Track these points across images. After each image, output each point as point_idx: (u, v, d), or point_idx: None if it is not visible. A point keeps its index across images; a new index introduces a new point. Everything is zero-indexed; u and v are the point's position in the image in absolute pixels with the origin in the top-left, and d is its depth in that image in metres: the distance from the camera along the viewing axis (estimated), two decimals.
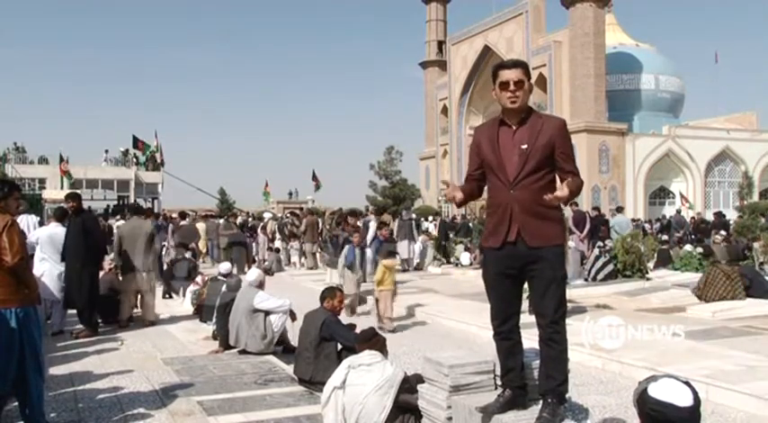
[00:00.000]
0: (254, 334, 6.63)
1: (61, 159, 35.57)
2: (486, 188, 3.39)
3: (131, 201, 34.97)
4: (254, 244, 18.81)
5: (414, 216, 18.58)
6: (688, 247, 15.19)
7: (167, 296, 11.17)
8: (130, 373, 5.87)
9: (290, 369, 5.81)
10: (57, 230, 7.87)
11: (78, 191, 17.48)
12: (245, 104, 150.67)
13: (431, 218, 27.32)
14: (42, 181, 37.18)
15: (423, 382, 3.77)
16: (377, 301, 8.36)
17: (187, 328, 8.36)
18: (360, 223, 13.60)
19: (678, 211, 27.75)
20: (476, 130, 3.42)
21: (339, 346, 5.30)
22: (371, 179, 45.53)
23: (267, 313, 6.71)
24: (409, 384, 3.96)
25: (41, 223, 9.63)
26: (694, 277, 10.94)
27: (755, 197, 37.50)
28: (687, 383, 2.20)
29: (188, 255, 12.54)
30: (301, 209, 29.42)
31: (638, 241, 12.26)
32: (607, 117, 36.14)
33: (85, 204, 9.06)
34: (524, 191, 3.11)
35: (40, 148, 57.71)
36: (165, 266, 11.95)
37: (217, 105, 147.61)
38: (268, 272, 13.60)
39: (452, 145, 44.75)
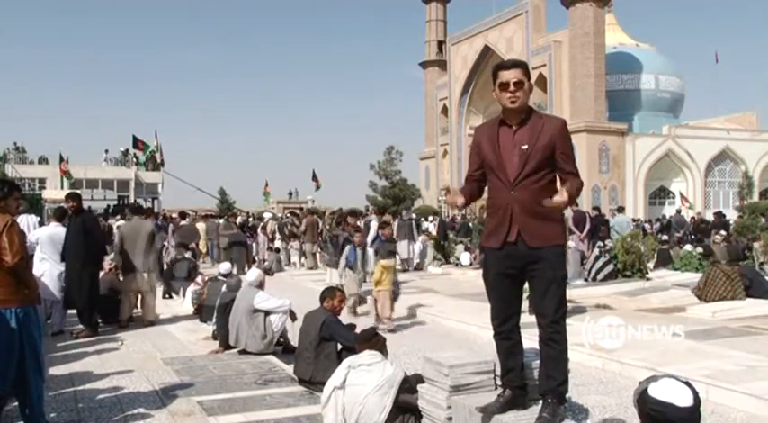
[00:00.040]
0: (254, 334, 6.63)
1: (61, 159, 35.57)
2: (486, 188, 3.39)
3: (131, 201, 34.95)
4: (254, 244, 18.82)
5: (414, 216, 18.57)
6: (688, 247, 15.20)
7: (167, 296, 11.17)
8: (130, 373, 5.87)
9: (290, 369, 5.80)
10: (57, 230, 7.87)
11: (78, 191, 17.47)
12: (245, 104, 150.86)
13: (431, 218, 27.30)
14: (42, 181, 37.19)
15: (423, 382, 3.77)
16: (375, 300, 8.37)
17: (187, 328, 8.36)
18: (360, 223, 13.59)
19: (678, 211, 27.75)
20: (476, 131, 3.42)
21: (339, 346, 5.29)
22: (371, 179, 45.66)
23: (267, 313, 6.71)
24: (409, 384, 3.96)
25: (41, 223, 9.62)
26: (694, 277, 10.94)
27: (755, 197, 37.50)
28: (687, 383, 2.20)
29: (188, 255, 12.54)
30: (301, 209, 29.43)
31: (638, 241, 12.26)
32: (607, 117, 36.15)
33: (85, 204, 9.06)
34: (525, 191, 3.11)
35: (40, 148, 57.86)
36: (165, 266, 11.95)
37: (217, 105, 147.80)
38: (268, 272, 13.60)
39: (452, 145, 44.75)
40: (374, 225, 12.74)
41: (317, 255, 17.04)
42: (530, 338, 3.30)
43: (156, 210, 30.25)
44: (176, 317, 9.17)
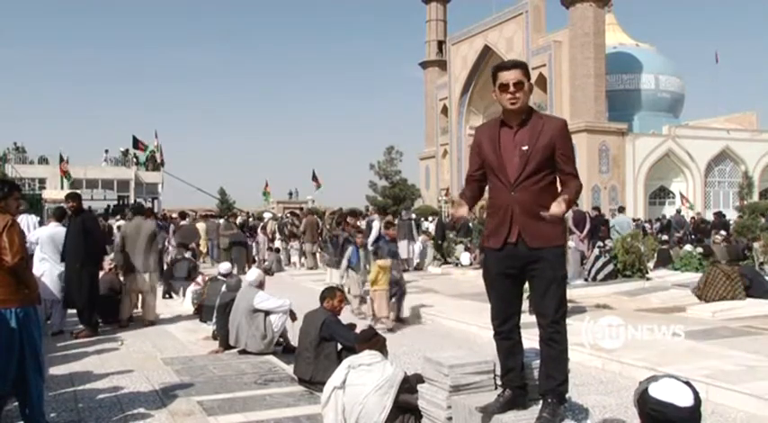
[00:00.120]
0: (254, 334, 6.63)
1: (61, 159, 35.57)
2: (486, 188, 3.39)
3: (131, 201, 34.97)
4: (254, 244, 18.82)
5: (413, 216, 18.56)
6: (688, 247, 15.20)
7: (167, 296, 11.17)
8: (130, 373, 5.87)
9: (290, 369, 5.81)
10: (57, 230, 7.87)
11: (78, 191, 17.46)
12: (245, 104, 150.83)
13: (430, 218, 27.30)
14: (42, 181, 37.19)
15: (423, 382, 3.77)
16: (371, 300, 8.37)
17: (187, 328, 8.36)
18: (361, 223, 13.59)
19: (678, 211, 27.74)
20: (477, 131, 3.42)
21: (339, 346, 5.30)
22: (371, 179, 45.68)
23: (267, 313, 6.71)
24: (409, 384, 3.96)
25: (41, 223, 9.62)
26: (694, 277, 10.94)
27: (755, 197, 37.50)
28: (688, 383, 2.20)
29: (188, 255, 12.55)
30: (301, 209, 29.42)
31: (638, 241, 12.27)
32: (607, 117, 36.12)
33: (85, 204, 9.07)
34: (525, 192, 3.11)
35: (40, 148, 57.85)
36: (165, 266, 11.96)
37: (217, 105, 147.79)
38: (268, 272, 13.60)
39: (452, 145, 44.73)
40: (376, 225, 12.73)
41: (317, 255, 17.04)
42: (530, 338, 3.30)
43: (155, 210, 30.21)
44: (176, 317, 9.17)
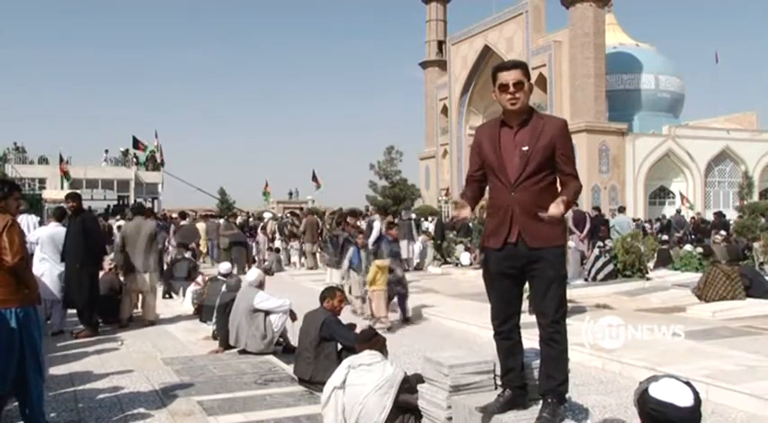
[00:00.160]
0: (254, 334, 6.63)
1: (61, 159, 35.58)
2: (487, 188, 3.39)
3: (131, 201, 34.93)
4: (254, 244, 18.82)
5: (413, 216, 18.56)
6: (688, 247, 15.21)
7: (167, 296, 11.17)
8: (130, 373, 5.87)
9: (290, 369, 5.81)
10: (57, 230, 7.87)
11: (78, 191, 17.46)
12: (245, 104, 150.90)
13: (430, 218, 27.30)
14: (42, 181, 37.16)
15: (423, 382, 3.77)
16: (369, 300, 8.38)
17: (187, 328, 8.36)
18: (361, 223, 13.57)
19: (678, 211, 27.75)
20: (477, 131, 3.42)
21: (339, 346, 5.30)
22: (371, 179, 45.61)
23: (267, 313, 6.71)
24: (409, 384, 3.96)
25: (41, 223, 9.63)
26: (694, 277, 10.94)
27: (755, 197, 37.49)
28: (688, 383, 2.20)
29: (188, 255, 12.55)
30: (301, 209, 29.42)
31: (638, 241, 12.27)
32: (607, 117, 36.12)
33: (85, 204, 9.07)
34: (525, 193, 3.11)
35: (40, 148, 57.80)
36: (165, 266, 11.96)
37: (217, 105, 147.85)
38: (268, 272, 13.61)
39: (452, 145, 44.73)
40: (377, 225, 12.72)
41: (317, 255, 17.04)
42: (530, 338, 3.30)
43: (156, 210, 30.22)
44: (176, 317, 9.17)
